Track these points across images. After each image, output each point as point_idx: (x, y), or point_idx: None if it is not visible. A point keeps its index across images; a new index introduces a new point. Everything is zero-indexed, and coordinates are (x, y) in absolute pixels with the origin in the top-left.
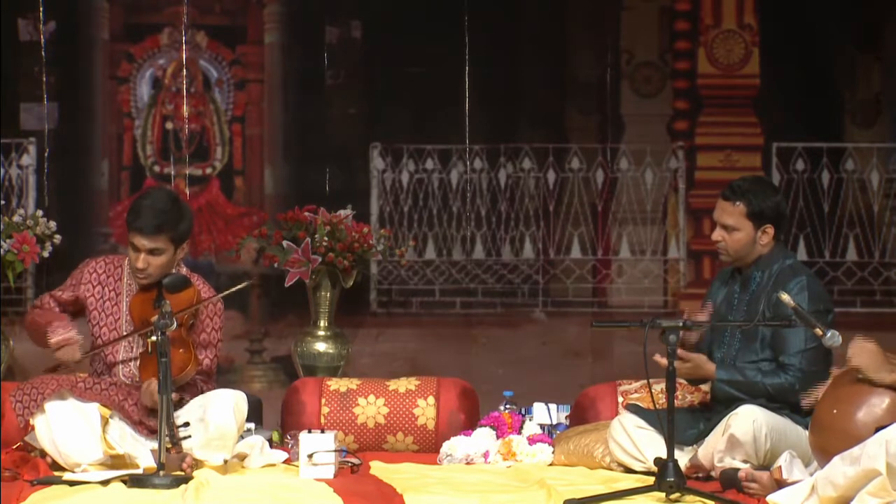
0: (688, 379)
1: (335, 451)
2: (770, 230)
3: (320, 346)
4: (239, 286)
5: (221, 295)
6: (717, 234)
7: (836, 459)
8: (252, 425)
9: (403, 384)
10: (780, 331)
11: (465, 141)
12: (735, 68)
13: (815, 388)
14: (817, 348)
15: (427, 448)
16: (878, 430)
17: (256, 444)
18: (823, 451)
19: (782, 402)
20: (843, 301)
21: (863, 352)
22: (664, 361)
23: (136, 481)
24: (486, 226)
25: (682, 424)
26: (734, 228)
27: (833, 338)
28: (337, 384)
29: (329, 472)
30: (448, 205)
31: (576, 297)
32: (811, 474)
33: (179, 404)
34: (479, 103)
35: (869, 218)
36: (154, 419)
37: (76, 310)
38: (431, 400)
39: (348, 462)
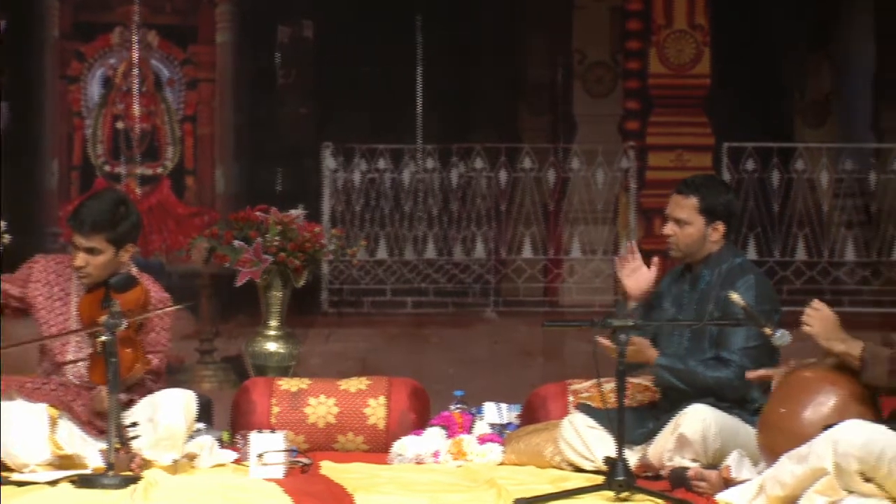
0: (629, 364)
1: (285, 450)
2: (720, 227)
3: (271, 346)
4: (181, 305)
5: (161, 311)
6: (669, 229)
7: (784, 458)
8: (202, 425)
9: (354, 384)
10: (726, 328)
11: (417, 141)
12: (686, 68)
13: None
14: (759, 347)
15: (378, 448)
16: (825, 428)
17: (206, 444)
18: (772, 451)
19: (721, 396)
20: (793, 300)
21: (818, 318)
22: (606, 342)
23: (84, 481)
24: (438, 225)
25: (631, 424)
26: (686, 223)
27: (782, 337)
28: (287, 384)
29: (279, 471)
30: (400, 204)
31: (527, 297)
32: (759, 473)
33: (129, 404)
34: (431, 103)
35: (818, 218)
36: (103, 419)
37: (19, 307)
38: (382, 400)
39: (298, 462)
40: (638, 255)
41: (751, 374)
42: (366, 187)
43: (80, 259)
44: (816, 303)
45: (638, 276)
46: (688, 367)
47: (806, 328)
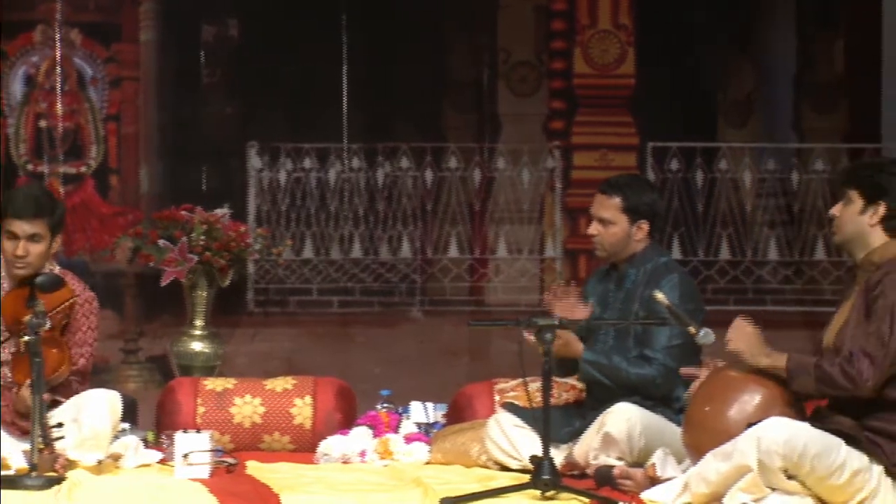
0: (556, 363)
1: (211, 450)
2: (645, 226)
3: (196, 346)
4: None
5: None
6: (593, 228)
7: (709, 456)
8: (127, 425)
9: (280, 383)
10: (650, 327)
11: (342, 140)
12: (610, 68)
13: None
14: (682, 346)
15: (304, 447)
16: (749, 426)
17: (131, 445)
18: (696, 449)
19: (644, 393)
20: (717, 299)
21: (742, 335)
22: (531, 339)
23: (7, 482)
24: (364, 225)
25: (557, 422)
26: (610, 222)
27: (706, 336)
28: (213, 384)
29: (204, 472)
30: (326, 204)
31: (453, 296)
32: (684, 471)
33: (53, 405)
34: (356, 102)
35: (741, 217)
36: (26, 420)
37: None
38: (308, 399)
39: (224, 462)
40: (574, 292)
41: (685, 370)
42: (291, 186)
43: (22, 248)
44: (738, 320)
45: (573, 311)
46: (612, 364)
47: (730, 346)
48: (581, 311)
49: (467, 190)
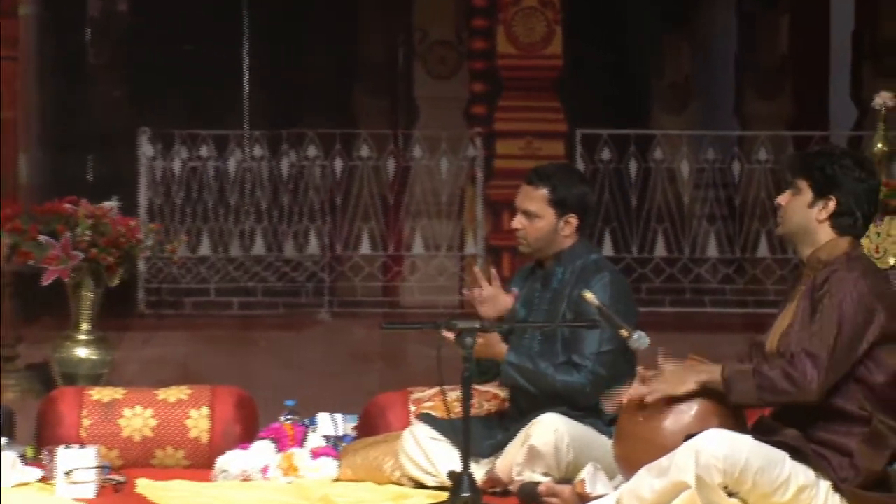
0: (477, 359)
1: (96, 467)
2: (573, 220)
3: (81, 352)
4: None
5: None
6: (518, 222)
7: (643, 471)
8: (3, 439)
9: (174, 393)
10: (579, 330)
11: (243, 126)
12: (536, 48)
13: (618, 392)
14: (614, 352)
15: (200, 463)
16: (686, 438)
17: (8, 460)
18: (629, 463)
19: (571, 403)
20: (652, 300)
21: (660, 381)
22: (450, 336)
23: None
24: (267, 219)
25: (478, 435)
26: (536, 216)
27: (640, 339)
28: (99, 394)
29: (89, 490)
30: (225, 196)
31: (365, 297)
32: (616, 488)
33: None
34: (258, 85)
35: (679, 210)
36: None
37: None
38: (205, 410)
39: (111, 480)
40: (496, 283)
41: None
42: (187, 177)
43: None
44: (642, 370)
45: (496, 303)
46: (537, 368)
47: (656, 395)
48: (503, 305)
49: (380, 181)
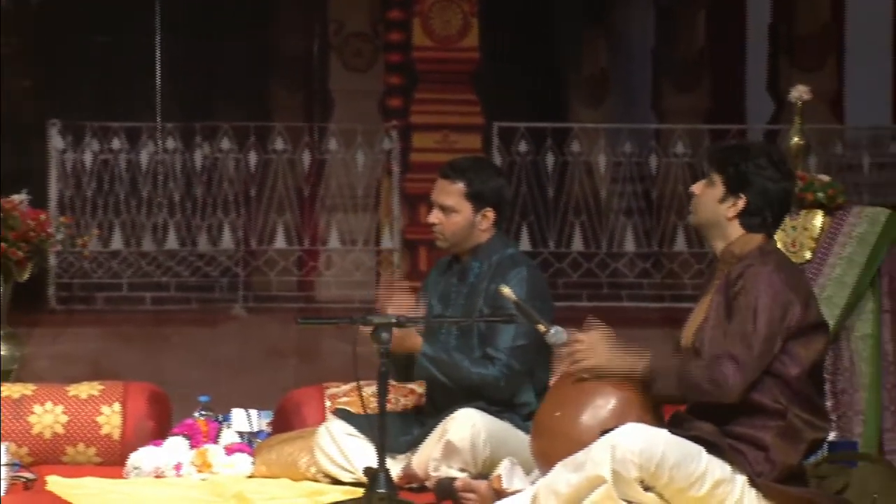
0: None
1: (6, 465)
2: (490, 214)
3: None
4: None
5: None
6: (434, 217)
7: (559, 466)
8: None
9: (85, 389)
10: (495, 324)
11: (156, 118)
12: (453, 41)
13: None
14: (528, 346)
15: (112, 460)
16: (603, 433)
17: None
18: (546, 458)
19: (486, 396)
20: (569, 294)
21: (589, 347)
22: (367, 331)
23: None
24: (181, 212)
25: (394, 430)
26: (452, 210)
27: (557, 334)
28: (9, 390)
29: None
30: (137, 189)
31: (280, 292)
32: (533, 483)
33: None
34: (172, 77)
35: (596, 204)
36: None
37: None
38: (117, 406)
39: (21, 477)
40: (406, 287)
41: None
42: (98, 170)
43: None
44: (579, 335)
45: (406, 306)
46: (453, 361)
47: (581, 364)
48: (412, 307)
49: (295, 174)
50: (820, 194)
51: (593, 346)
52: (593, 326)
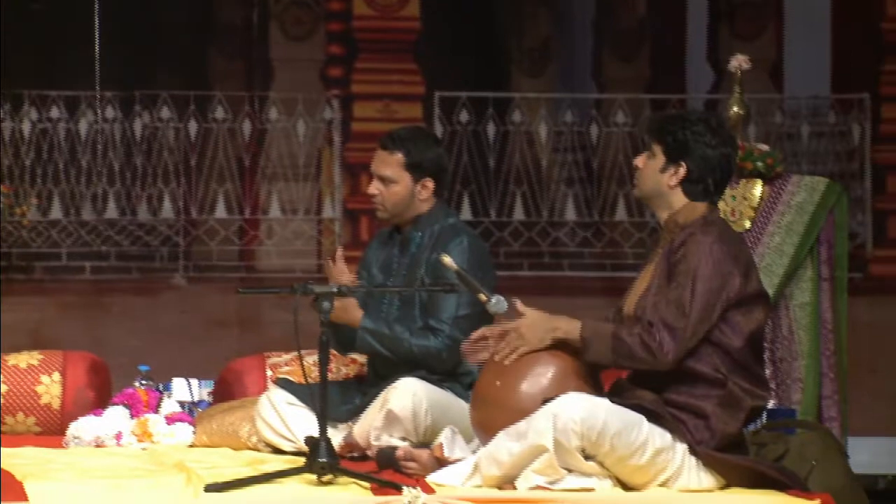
0: (336, 335)
1: None
2: (430, 184)
3: None
4: None
5: None
6: (374, 187)
7: (501, 435)
8: None
9: (24, 359)
10: (437, 295)
11: (95, 87)
12: (393, 10)
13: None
14: (471, 316)
15: (52, 430)
16: (545, 402)
17: None
18: (487, 427)
19: (429, 367)
20: (510, 264)
21: (526, 328)
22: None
23: None
24: (120, 182)
25: (335, 400)
26: (391, 180)
27: (498, 304)
28: None
29: None
30: (76, 158)
31: (221, 261)
32: (474, 452)
33: None
34: (111, 45)
35: (537, 174)
36: None
37: None
38: (56, 376)
39: None
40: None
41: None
42: (37, 139)
43: None
44: (505, 327)
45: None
46: (394, 333)
47: (518, 352)
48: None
49: (236, 143)
50: (759, 163)
51: (521, 331)
52: (521, 313)
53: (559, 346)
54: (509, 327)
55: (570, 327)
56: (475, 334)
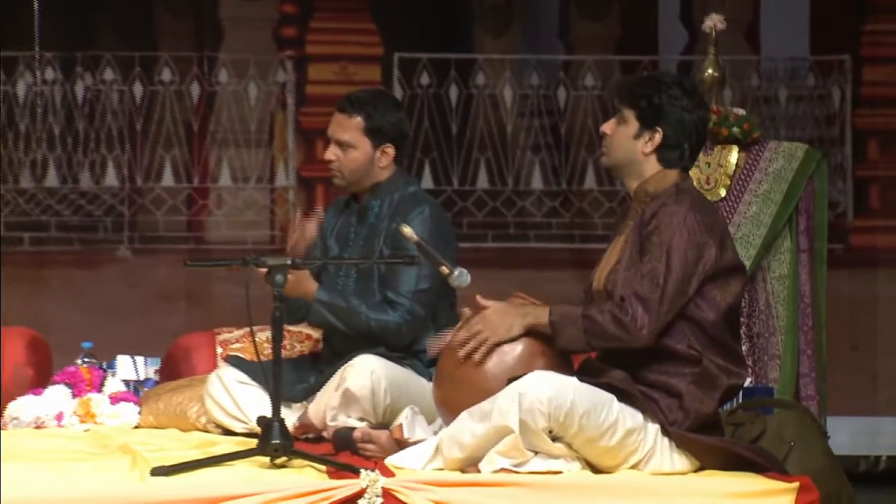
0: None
1: None
2: (390, 150)
3: None
4: None
5: None
6: (331, 153)
7: (464, 416)
8: None
9: None
10: (396, 267)
11: (34, 47)
12: None
13: (441, 336)
14: (431, 290)
15: None
16: (510, 381)
17: None
18: (449, 407)
19: (387, 343)
20: (474, 235)
21: (485, 327)
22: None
23: None
24: (61, 147)
25: (290, 378)
26: (349, 146)
27: (461, 276)
28: None
29: None
30: (14, 123)
31: (168, 232)
32: (435, 433)
33: None
34: (50, 3)
35: (502, 140)
36: None
37: None
38: None
39: None
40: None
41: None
42: None
43: None
44: (469, 317)
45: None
46: (350, 307)
47: (486, 344)
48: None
49: (184, 107)
50: (735, 129)
51: (488, 320)
52: (484, 306)
53: (528, 332)
54: (475, 319)
55: (538, 312)
56: (441, 344)
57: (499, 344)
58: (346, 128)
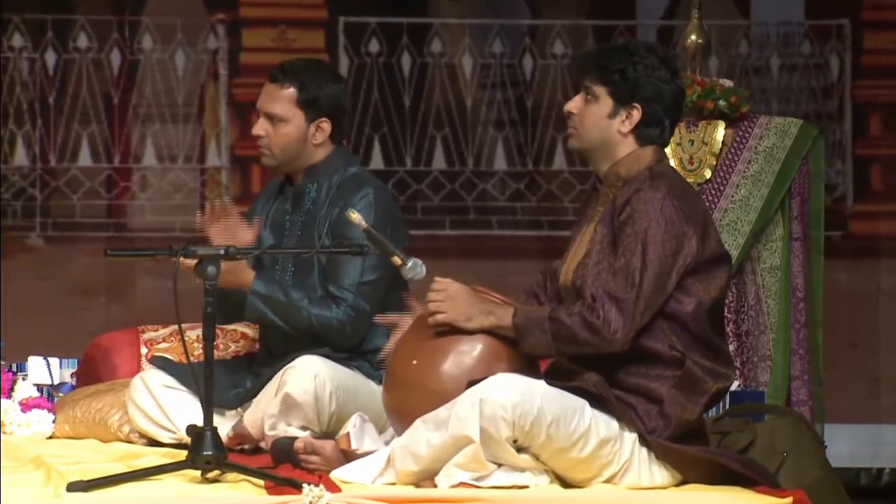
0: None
1: None
2: (326, 126)
3: None
4: None
5: None
6: (260, 128)
7: (418, 424)
8: None
9: None
10: (338, 258)
11: None
12: None
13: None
14: (377, 282)
15: None
16: (469, 384)
17: None
18: (402, 414)
19: (333, 343)
20: (429, 221)
21: (446, 298)
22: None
23: None
24: None
25: (223, 382)
26: (281, 119)
27: (415, 268)
28: None
29: None
30: None
31: (85, 218)
32: (387, 443)
33: None
34: None
35: (461, 114)
36: None
37: None
38: None
39: None
40: (234, 211)
41: (382, 319)
42: None
43: None
44: (438, 281)
45: (235, 236)
46: (290, 300)
47: (438, 317)
48: (243, 239)
49: (103, 77)
50: (721, 102)
51: (453, 297)
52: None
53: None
54: (441, 285)
55: (502, 313)
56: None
57: (452, 327)
58: (276, 99)
